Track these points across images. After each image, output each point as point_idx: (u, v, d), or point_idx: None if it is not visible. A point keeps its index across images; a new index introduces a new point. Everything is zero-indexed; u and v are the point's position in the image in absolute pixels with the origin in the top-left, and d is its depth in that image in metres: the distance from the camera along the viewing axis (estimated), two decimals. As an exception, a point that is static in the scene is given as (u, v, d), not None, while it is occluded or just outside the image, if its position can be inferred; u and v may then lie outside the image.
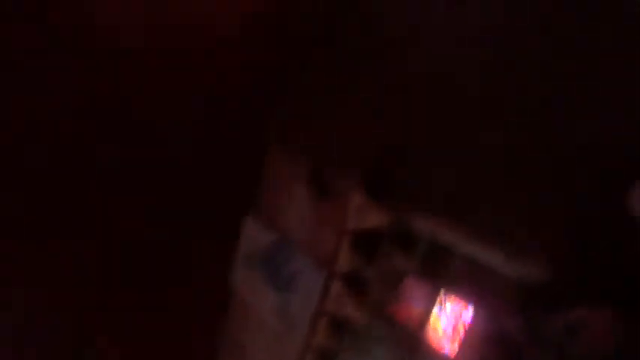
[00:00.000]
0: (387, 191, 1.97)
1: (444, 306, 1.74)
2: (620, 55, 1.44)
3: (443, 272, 1.77)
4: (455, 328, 1.70)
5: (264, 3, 2.10)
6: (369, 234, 1.97)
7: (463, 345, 1.67)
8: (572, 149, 1.51)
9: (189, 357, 2.53)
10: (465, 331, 1.66)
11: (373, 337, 1.93)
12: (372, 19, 2.06)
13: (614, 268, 1.39)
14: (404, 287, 1.83)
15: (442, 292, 1.75)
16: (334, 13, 2.17)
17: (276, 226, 2.29)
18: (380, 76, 2.02)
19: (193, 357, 2.56)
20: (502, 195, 1.66)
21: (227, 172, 2.25)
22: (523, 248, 1.59)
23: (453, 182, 1.78)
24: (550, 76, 1.59)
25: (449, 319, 1.72)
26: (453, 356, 1.69)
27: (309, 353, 2.11)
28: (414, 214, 1.85)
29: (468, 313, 1.67)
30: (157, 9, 1.85)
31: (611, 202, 1.39)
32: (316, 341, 2.07)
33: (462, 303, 1.69)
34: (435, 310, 1.75)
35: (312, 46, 2.24)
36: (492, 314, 1.60)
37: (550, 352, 1.45)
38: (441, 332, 1.73)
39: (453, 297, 1.72)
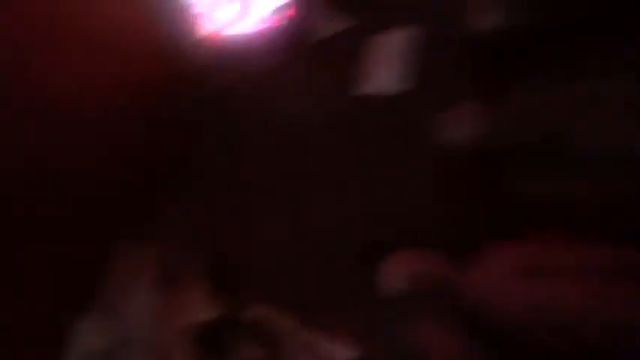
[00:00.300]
0: (230, 282, 1.96)
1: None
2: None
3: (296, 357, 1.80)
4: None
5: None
6: (213, 326, 1.90)
7: None
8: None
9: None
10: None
11: None
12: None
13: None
14: None
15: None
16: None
17: (115, 323, 2.01)
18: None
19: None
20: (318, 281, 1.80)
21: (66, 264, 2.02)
22: (338, 333, 1.70)
23: (285, 273, 1.89)
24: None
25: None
26: None
27: None
28: (255, 304, 1.87)
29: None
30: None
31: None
32: None
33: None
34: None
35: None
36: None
37: None
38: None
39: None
